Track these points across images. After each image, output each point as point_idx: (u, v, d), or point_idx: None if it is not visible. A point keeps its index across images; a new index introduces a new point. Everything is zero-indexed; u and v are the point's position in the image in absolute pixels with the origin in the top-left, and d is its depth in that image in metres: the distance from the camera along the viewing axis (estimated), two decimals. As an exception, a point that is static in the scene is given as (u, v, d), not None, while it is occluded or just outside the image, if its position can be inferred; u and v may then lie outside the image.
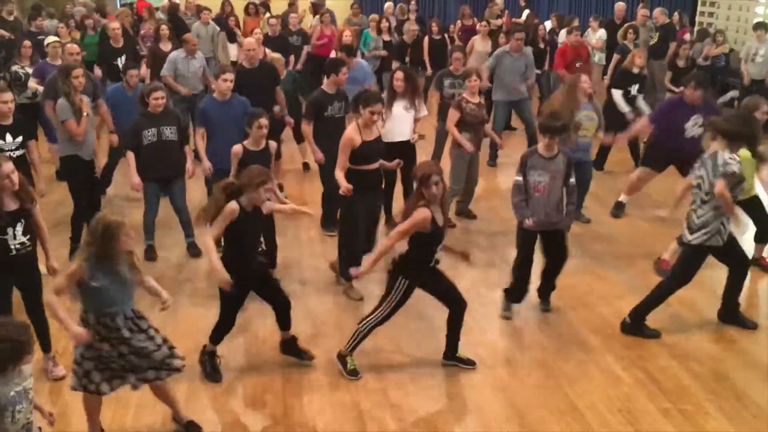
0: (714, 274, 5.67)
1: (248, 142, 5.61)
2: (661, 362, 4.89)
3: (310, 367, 4.84)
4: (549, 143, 5.14)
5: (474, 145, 6.88)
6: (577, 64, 9.43)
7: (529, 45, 9.44)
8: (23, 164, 5.74)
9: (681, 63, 9.62)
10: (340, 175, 5.52)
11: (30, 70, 8.14)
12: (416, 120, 6.82)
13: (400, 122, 6.65)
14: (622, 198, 7.47)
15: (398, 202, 6.53)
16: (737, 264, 5.23)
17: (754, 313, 5.49)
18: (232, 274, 4.46)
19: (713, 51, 11.06)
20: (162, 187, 6.37)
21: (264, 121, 5.54)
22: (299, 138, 8.60)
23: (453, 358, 4.84)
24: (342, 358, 4.74)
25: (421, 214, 4.40)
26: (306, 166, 8.84)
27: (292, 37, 10.96)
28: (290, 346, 4.89)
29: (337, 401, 4.49)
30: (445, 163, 7.06)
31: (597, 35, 11.55)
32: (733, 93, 10.99)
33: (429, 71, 10.67)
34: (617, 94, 8.32)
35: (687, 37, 11.98)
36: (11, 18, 11.52)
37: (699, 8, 14.82)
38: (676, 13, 12.79)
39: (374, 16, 11.57)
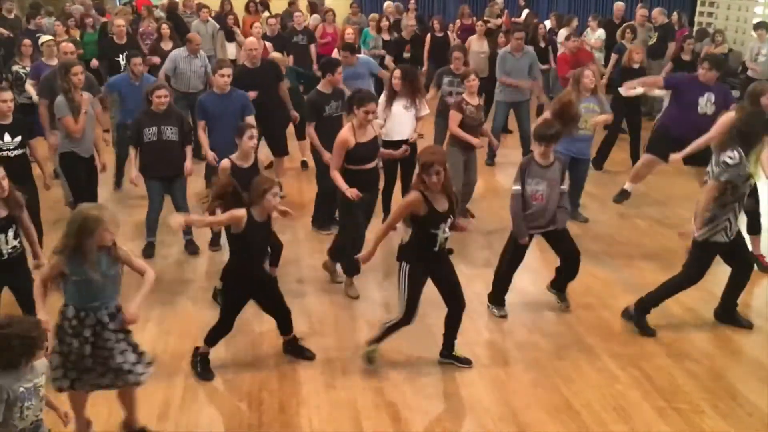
0: (711, 273, 5.69)
1: (237, 156, 5.47)
2: (656, 361, 4.91)
3: (307, 365, 4.86)
4: (545, 151, 5.16)
5: (467, 146, 6.90)
6: None
7: (529, 44, 9.45)
8: (23, 164, 5.77)
9: (686, 57, 9.65)
10: (338, 177, 5.51)
11: (25, 70, 8.14)
12: (418, 119, 6.83)
13: (400, 121, 6.66)
14: (627, 186, 7.46)
15: (398, 202, 6.54)
16: (741, 267, 5.25)
17: (749, 312, 5.51)
18: (235, 281, 4.54)
19: (712, 51, 11.04)
20: (164, 186, 6.40)
21: (254, 132, 5.45)
22: (300, 135, 8.63)
23: (449, 356, 4.87)
24: (365, 352, 4.82)
25: (411, 196, 4.48)
26: (304, 164, 8.87)
27: (297, 36, 10.97)
28: (292, 346, 4.94)
29: (333, 399, 4.51)
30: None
31: (596, 35, 11.56)
32: (734, 93, 10.99)
33: (425, 67, 10.67)
34: (623, 90, 8.33)
35: (686, 34, 11.98)
36: (11, 16, 11.54)
37: (698, 8, 14.82)
38: (675, 13, 12.80)
39: (374, 16, 11.58)
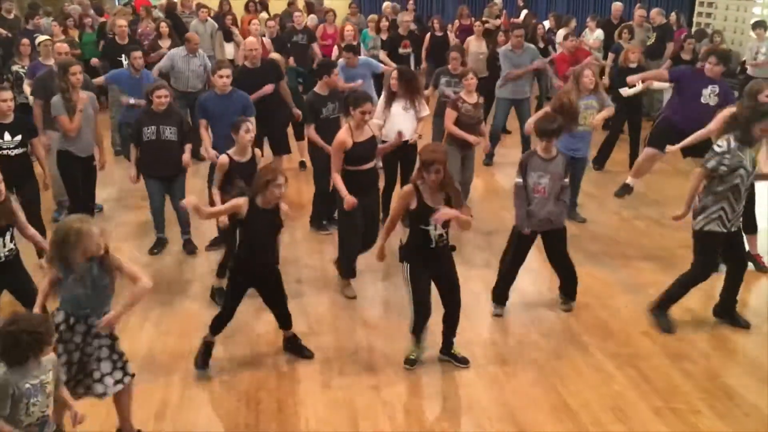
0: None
1: (234, 151, 5.49)
2: (653, 361, 4.92)
3: (305, 364, 4.87)
4: (547, 146, 5.19)
5: (464, 143, 6.91)
6: None
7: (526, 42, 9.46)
8: (24, 163, 5.78)
9: (686, 57, 9.66)
10: (339, 181, 5.51)
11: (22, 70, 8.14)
12: (419, 119, 6.83)
13: (399, 122, 6.66)
14: (629, 180, 7.47)
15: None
16: (735, 265, 5.27)
17: (747, 312, 5.51)
18: (238, 268, 4.60)
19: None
20: (163, 185, 6.42)
21: (250, 125, 5.46)
22: (299, 135, 8.64)
23: (448, 354, 4.89)
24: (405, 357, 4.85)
25: (405, 189, 4.54)
26: (302, 165, 8.88)
27: (297, 35, 10.97)
28: (291, 344, 4.96)
29: (331, 399, 4.51)
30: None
31: (594, 35, 11.57)
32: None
33: (423, 65, 10.66)
34: (624, 91, 8.36)
35: (685, 35, 11.99)
36: (11, 16, 11.53)
37: (696, 8, 14.84)
38: (673, 14, 12.81)
39: (373, 17, 11.58)
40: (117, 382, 3.85)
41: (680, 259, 6.23)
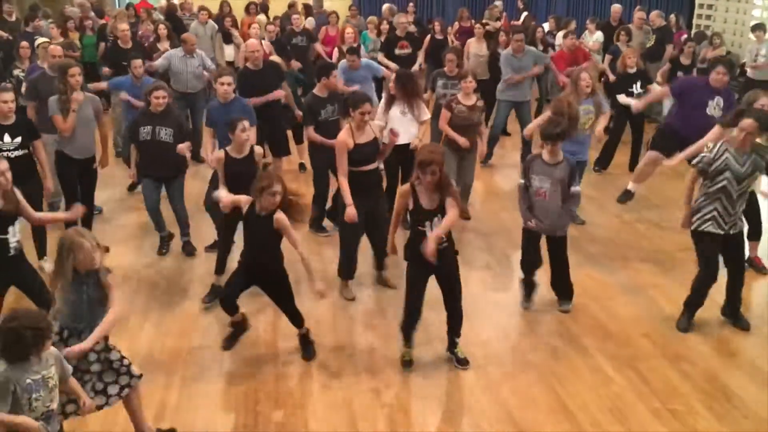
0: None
1: (231, 148, 5.52)
2: (652, 362, 4.92)
3: (304, 366, 4.87)
4: (552, 149, 5.19)
5: (461, 146, 6.93)
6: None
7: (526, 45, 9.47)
8: (25, 164, 5.78)
9: (686, 61, 9.65)
10: (345, 186, 5.52)
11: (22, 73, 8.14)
12: (421, 123, 6.82)
13: (398, 125, 6.65)
14: (630, 186, 7.47)
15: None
16: (733, 265, 5.26)
17: (746, 314, 5.49)
18: (241, 262, 4.76)
19: (710, 53, 11.07)
20: (160, 185, 6.43)
21: (246, 124, 5.46)
22: (299, 138, 8.65)
23: (451, 352, 4.92)
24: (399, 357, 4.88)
25: (402, 188, 4.59)
26: (302, 167, 8.89)
27: (296, 37, 10.99)
28: (300, 341, 5.01)
29: (329, 400, 4.52)
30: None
31: (594, 37, 11.56)
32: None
33: (423, 66, 10.66)
34: (621, 98, 8.39)
35: (684, 37, 12.01)
36: (12, 19, 11.55)
37: (696, 11, 14.85)
38: (672, 16, 12.82)
39: (372, 19, 11.59)
40: (124, 386, 3.87)
41: (680, 262, 6.26)
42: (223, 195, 4.87)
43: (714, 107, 6.75)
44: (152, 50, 9.73)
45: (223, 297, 4.81)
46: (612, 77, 9.36)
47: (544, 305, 5.68)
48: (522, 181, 5.31)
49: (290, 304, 4.87)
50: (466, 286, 5.65)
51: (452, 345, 4.91)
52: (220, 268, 5.73)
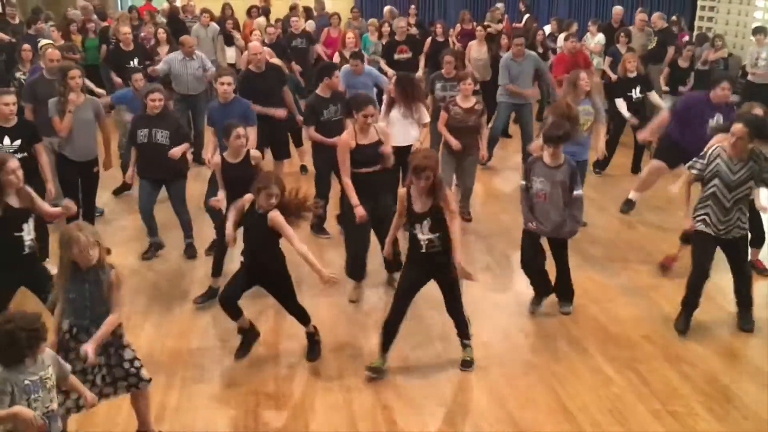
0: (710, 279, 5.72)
1: (227, 153, 5.52)
2: (652, 364, 4.92)
3: (304, 367, 4.88)
4: (554, 152, 5.18)
5: (465, 148, 6.95)
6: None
7: (527, 49, 9.46)
8: (23, 167, 5.76)
9: (684, 64, 9.63)
10: (350, 188, 5.54)
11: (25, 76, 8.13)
12: (422, 126, 6.81)
13: (398, 128, 6.67)
14: (632, 195, 7.46)
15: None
16: (734, 272, 5.26)
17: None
18: (245, 266, 4.77)
19: (712, 55, 11.06)
20: (157, 188, 6.44)
21: (241, 130, 5.44)
22: (298, 142, 8.67)
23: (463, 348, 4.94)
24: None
25: (400, 192, 4.63)
26: (303, 169, 8.90)
27: (296, 39, 11.00)
28: (307, 339, 5.01)
29: (330, 402, 4.52)
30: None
31: (595, 40, 11.57)
32: (734, 98, 11.02)
33: (422, 71, 10.67)
34: (619, 103, 8.38)
35: (686, 39, 12.00)
36: (15, 21, 11.58)
37: (698, 13, 14.83)
38: (674, 17, 12.82)
39: (373, 21, 11.60)
40: (131, 386, 3.90)
41: (680, 264, 6.24)
42: (221, 197, 5.11)
43: (714, 125, 6.62)
44: (153, 53, 9.77)
45: (224, 297, 4.79)
46: (613, 77, 9.36)
47: (544, 307, 5.67)
48: (523, 182, 5.33)
49: (293, 303, 4.87)
50: (467, 288, 5.67)
51: (463, 346, 4.91)
52: (216, 270, 5.74)
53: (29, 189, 4.55)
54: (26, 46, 8.45)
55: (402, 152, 6.48)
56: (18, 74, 8.29)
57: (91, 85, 8.98)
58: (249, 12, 12.96)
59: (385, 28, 10.93)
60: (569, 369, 4.87)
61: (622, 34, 10.45)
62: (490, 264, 6.48)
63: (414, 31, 12.49)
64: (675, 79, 9.71)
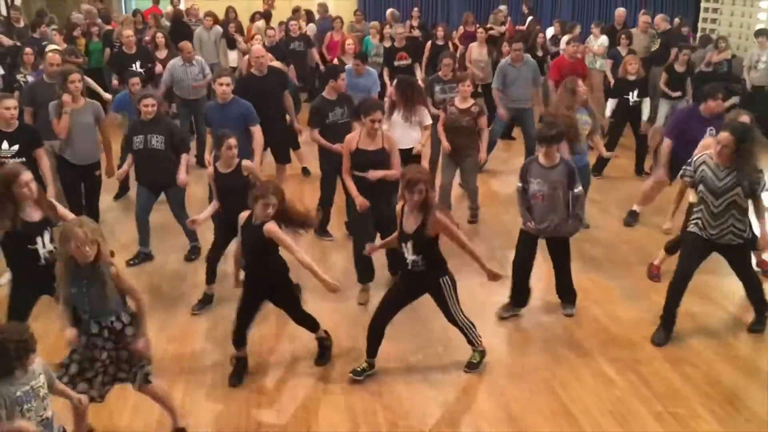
0: (708, 280, 5.73)
1: (219, 163, 5.50)
2: (654, 366, 4.91)
3: (306, 369, 4.89)
4: (547, 152, 5.18)
5: (452, 149, 7.00)
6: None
7: (527, 52, 9.46)
8: None
9: (680, 69, 9.59)
10: (349, 182, 5.59)
11: (30, 79, 8.16)
12: (424, 128, 6.82)
13: (399, 131, 6.68)
14: (636, 207, 7.46)
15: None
16: (738, 274, 5.24)
17: (745, 316, 5.49)
18: (245, 281, 4.72)
19: (715, 57, 11.04)
20: (156, 193, 6.45)
21: (232, 141, 5.40)
22: (294, 144, 8.66)
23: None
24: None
25: (398, 208, 4.60)
26: (305, 171, 8.91)
27: (294, 42, 11.03)
28: (319, 343, 5.01)
29: (331, 404, 4.53)
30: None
31: (599, 42, 11.56)
32: (735, 99, 10.99)
33: (422, 75, 10.67)
34: (609, 103, 8.37)
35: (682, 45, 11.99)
36: (20, 24, 11.62)
37: (701, 14, 14.81)
38: (677, 19, 12.80)
39: (375, 24, 11.62)
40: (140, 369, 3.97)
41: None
42: (202, 218, 5.35)
43: (707, 136, 6.58)
44: (152, 59, 9.79)
45: (235, 329, 4.73)
46: (612, 82, 9.36)
47: (545, 308, 5.69)
48: (520, 184, 5.33)
49: (298, 311, 4.86)
50: (469, 291, 5.68)
51: (471, 344, 4.91)
52: (210, 277, 5.73)
53: (52, 199, 4.55)
54: (28, 50, 8.49)
55: (403, 155, 6.49)
56: (19, 76, 8.32)
57: (98, 89, 9.03)
58: (252, 18, 13.02)
59: (387, 31, 10.96)
60: (570, 371, 4.87)
61: (623, 36, 10.44)
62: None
63: (417, 33, 12.52)
64: (673, 84, 9.69)
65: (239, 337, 4.74)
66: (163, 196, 6.53)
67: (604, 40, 11.58)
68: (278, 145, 7.79)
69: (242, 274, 4.75)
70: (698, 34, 13.38)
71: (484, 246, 6.90)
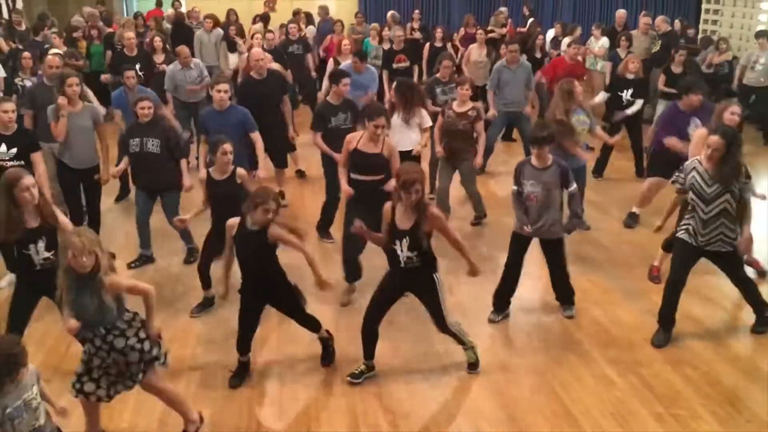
0: (708, 280, 5.73)
1: (213, 169, 5.50)
2: (655, 367, 4.91)
3: (307, 370, 4.90)
4: (539, 153, 5.20)
5: (447, 152, 7.03)
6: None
7: (526, 54, 9.45)
8: None
9: (677, 70, 9.59)
10: (341, 171, 5.69)
11: (28, 83, 8.13)
12: (424, 130, 6.82)
13: (398, 133, 6.69)
14: (635, 209, 7.47)
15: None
16: (731, 278, 5.24)
17: (745, 317, 5.48)
18: (242, 288, 4.68)
19: (716, 58, 11.07)
20: (152, 197, 6.44)
21: (228, 147, 5.39)
22: (290, 148, 8.65)
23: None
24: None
25: (385, 207, 4.56)
26: (300, 174, 8.93)
27: (292, 45, 11.05)
28: (322, 344, 5.00)
29: (332, 405, 4.54)
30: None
31: (599, 43, 11.58)
32: (734, 99, 11.02)
33: (424, 77, 10.68)
34: (601, 95, 8.38)
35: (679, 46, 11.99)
36: (22, 28, 11.65)
37: (702, 16, 14.83)
38: (677, 21, 12.82)
39: (375, 25, 11.63)
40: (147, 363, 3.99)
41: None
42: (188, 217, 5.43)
43: (693, 129, 6.60)
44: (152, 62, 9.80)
45: (239, 337, 4.73)
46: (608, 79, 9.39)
47: (545, 309, 5.69)
48: (515, 187, 5.33)
49: (299, 312, 4.86)
50: (469, 292, 5.69)
51: (464, 350, 4.91)
52: (205, 283, 5.72)
53: (55, 208, 4.52)
54: (26, 54, 8.47)
55: (403, 157, 6.49)
56: (17, 80, 8.33)
57: (95, 101, 9.03)
58: (254, 21, 13.04)
59: (386, 33, 10.98)
60: (571, 372, 4.87)
61: (623, 38, 10.45)
62: (493, 268, 6.45)
63: (418, 35, 12.53)
64: (671, 85, 9.69)
65: (243, 345, 4.75)
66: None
67: (604, 41, 11.59)
68: (277, 150, 7.79)
69: (234, 279, 4.74)
70: (699, 36, 13.39)
71: (485, 247, 6.92)
